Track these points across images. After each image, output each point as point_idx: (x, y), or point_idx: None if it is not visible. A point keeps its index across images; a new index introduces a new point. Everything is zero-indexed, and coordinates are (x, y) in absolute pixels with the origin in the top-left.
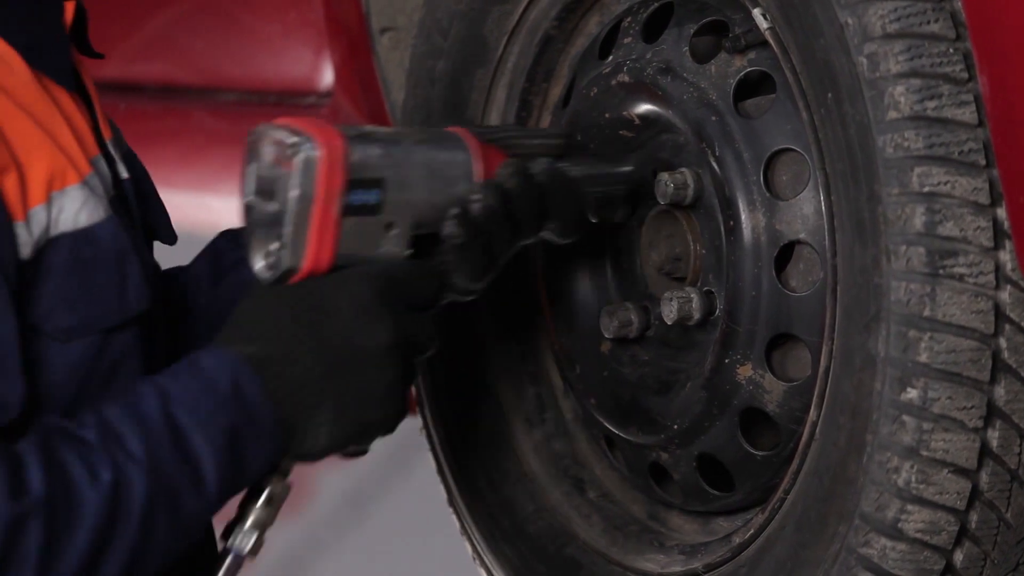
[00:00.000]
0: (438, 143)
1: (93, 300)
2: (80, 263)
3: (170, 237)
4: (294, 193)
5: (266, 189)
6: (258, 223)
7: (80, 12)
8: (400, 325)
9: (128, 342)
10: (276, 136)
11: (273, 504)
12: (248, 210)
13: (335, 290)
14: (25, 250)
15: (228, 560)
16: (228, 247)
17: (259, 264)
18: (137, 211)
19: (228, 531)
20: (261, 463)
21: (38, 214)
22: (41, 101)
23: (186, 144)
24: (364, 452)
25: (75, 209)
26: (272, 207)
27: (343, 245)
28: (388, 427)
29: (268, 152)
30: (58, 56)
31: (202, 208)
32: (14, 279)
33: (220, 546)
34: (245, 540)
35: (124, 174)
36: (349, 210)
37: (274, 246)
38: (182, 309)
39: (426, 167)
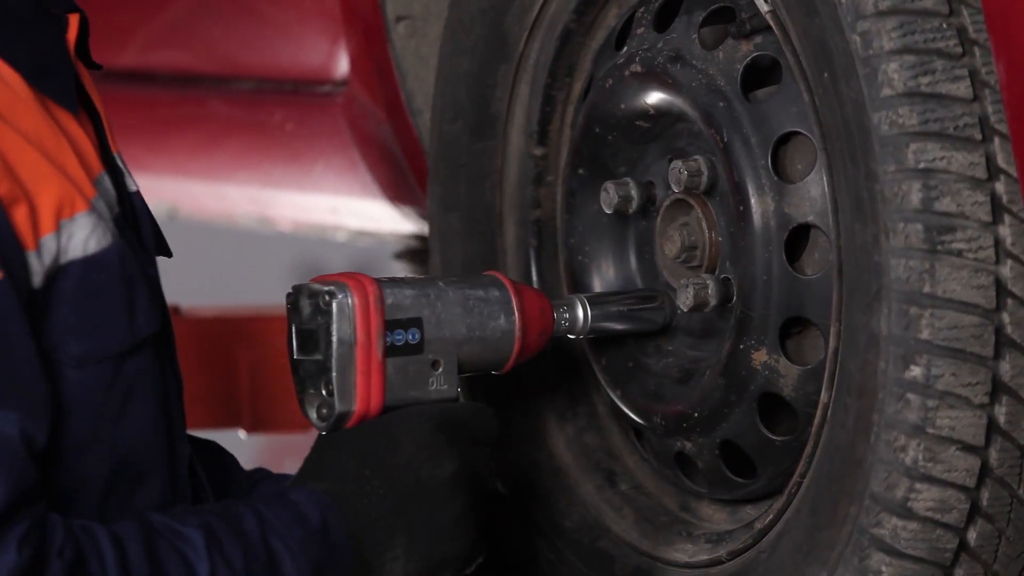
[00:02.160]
0: (472, 282)
1: (104, 326)
2: (90, 290)
3: (167, 251)
4: (334, 339)
5: (308, 342)
6: (306, 377)
7: (84, 24)
8: (463, 457)
9: (141, 365)
10: (311, 290)
11: None
12: (296, 367)
13: (396, 427)
14: (36, 279)
15: None
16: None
17: (313, 416)
18: (147, 224)
19: None
20: None
21: (48, 243)
22: (46, 127)
23: (202, 132)
24: None
25: (84, 236)
26: (316, 357)
27: (393, 386)
28: (462, 561)
29: (305, 306)
30: (62, 78)
31: (217, 197)
32: (28, 310)
33: None
34: None
35: (132, 187)
36: (392, 350)
37: (324, 394)
38: None
39: (463, 304)
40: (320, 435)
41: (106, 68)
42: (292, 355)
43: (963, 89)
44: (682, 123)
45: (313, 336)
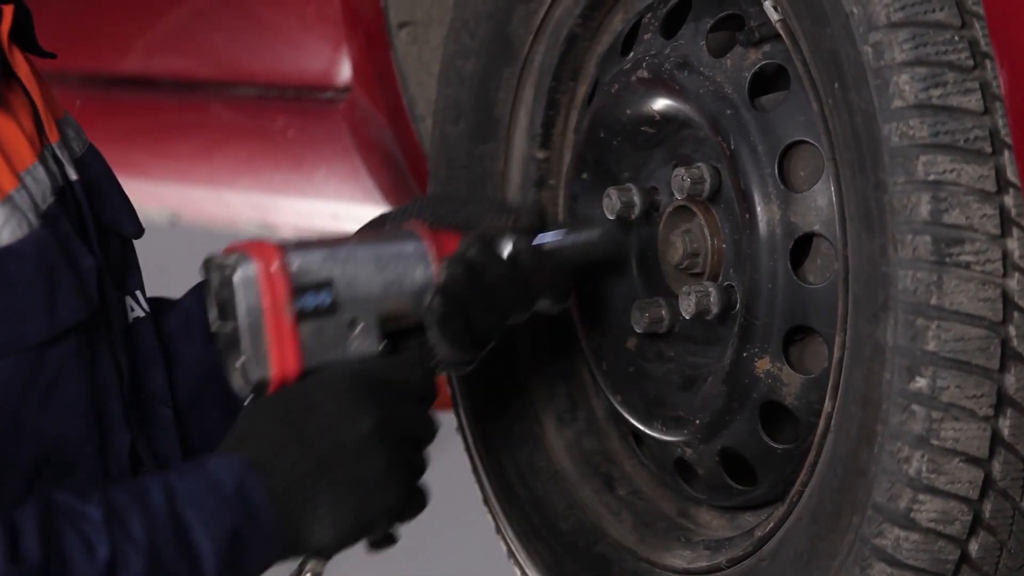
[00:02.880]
0: (385, 238)
1: (20, 317)
2: (3, 280)
3: (133, 230)
4: (241, 309)
5: (223, 311)
6: (224, 344)
7: (22, 13)
8: (382, 411)
9: (66, 355)
10: (217, 261)
11: None
12: (215, 338)
13: (312, 390)
14: None
15: None
16: None
17: (236, 384)
18: (88, 212)
19: None
20: (261, 563)
21: None
22: None
23: (204, 138)
24: (392, 542)
25: None
26: (230, 326)
27: (309, 349)
28: (397, 513)
29: (215, 277)
30: None
31: (219, 203)
32: None
33: None
34: None
35: (73, 176)
36: (303, 315)
37: (240, 362)
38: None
39: (375, 261)
40: (245, 405)
41: (109, 74)
42: (212, 323)
43: (974, 102)
44: (688, 129)
45: (225, 306)
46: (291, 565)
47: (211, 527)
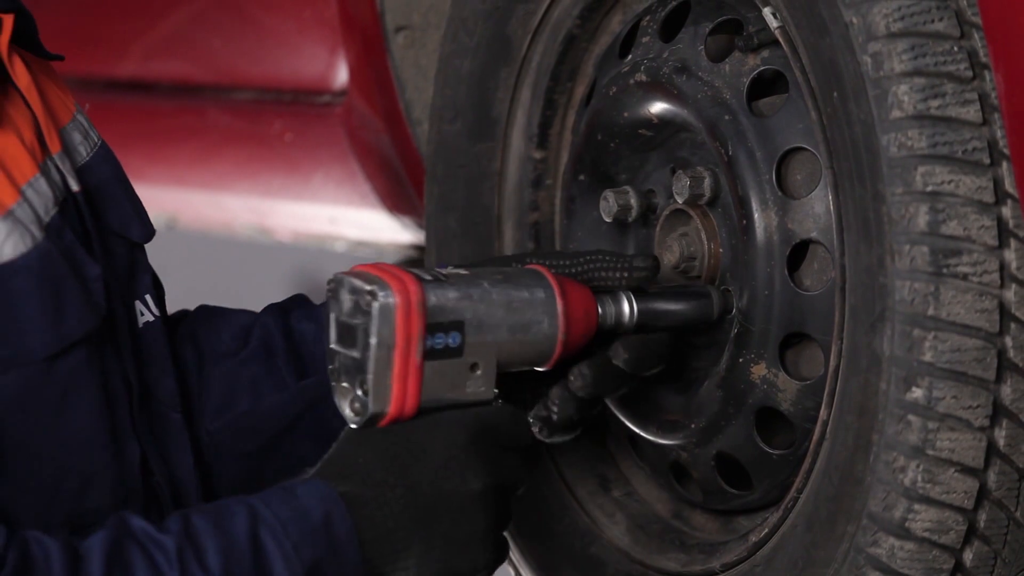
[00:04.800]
0: (517, 282)
1: (25, 331)
2: (6, 295)
3: (142, 235)
4: (373, 341)
5: (347, 336)
6: (342, 369)
7: (24, 20)
8: (492, 470)
9: (75, 365)
10: (352, 284)
11: None
12: (332, 356)
13: (427, 434)
14: None
15: None
16: (310, 332)
17: (346, 410)
18: (91, 221)
19: None
20: None
21: None
22: None
23: (201, 142)
24: None
25: None
26: (354, 354)
27: (428, 388)
28: (478, 573)
29: (346, 300)
30: None
31: (217, 206)
32: None
33: None
34: None
35: (75, 187)
36: (431, 354)
37: (359, 392)
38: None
39: (506, 307)
40: (349, 428)
41: (106, 78)
42: (329, 342)
43: (972, 113)
44: (685, 134)
45: (352, 331)
46: None
47: (291, 560)
